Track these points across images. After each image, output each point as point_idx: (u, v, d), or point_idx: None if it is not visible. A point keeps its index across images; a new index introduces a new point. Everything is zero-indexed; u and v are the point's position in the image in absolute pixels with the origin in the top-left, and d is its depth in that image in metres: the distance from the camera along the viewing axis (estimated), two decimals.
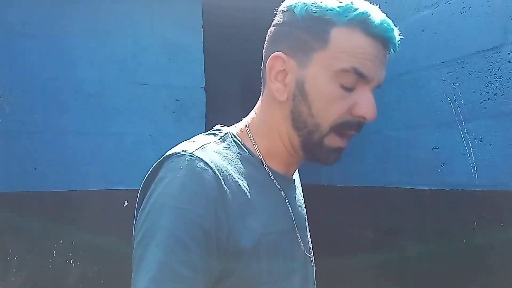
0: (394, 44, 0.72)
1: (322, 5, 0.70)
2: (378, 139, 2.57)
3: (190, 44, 2.61)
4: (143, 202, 0.69)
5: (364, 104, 0.71)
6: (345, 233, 2.84)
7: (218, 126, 0.81)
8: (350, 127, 0.73)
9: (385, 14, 0.73)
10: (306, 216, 0.89)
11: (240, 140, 0.77)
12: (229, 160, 0.72)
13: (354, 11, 0.69)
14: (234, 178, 0.70)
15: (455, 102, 2.05)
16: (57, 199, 2.28)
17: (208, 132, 0.80)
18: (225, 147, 0.74)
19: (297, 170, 0.87)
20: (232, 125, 0.81)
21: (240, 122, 0.81)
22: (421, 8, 2.25)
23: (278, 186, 0.77)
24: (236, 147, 0.76)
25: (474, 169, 1.96)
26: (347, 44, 0.69)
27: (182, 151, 0.69)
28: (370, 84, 0.72)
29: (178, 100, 2.56)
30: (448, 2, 2.09)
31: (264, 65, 0.77)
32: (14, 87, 2.27)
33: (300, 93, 0.72)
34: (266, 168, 0.76)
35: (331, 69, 0.69)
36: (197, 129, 2.54)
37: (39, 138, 2.30)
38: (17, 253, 2.19)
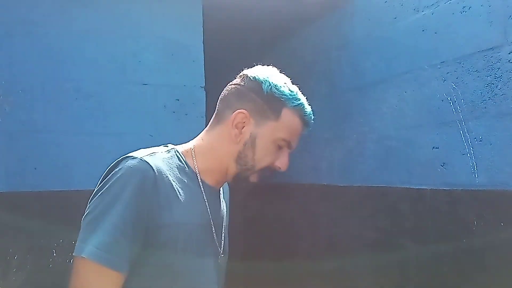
0: (310, 127, 1.09)
1: (281, 89, 1.05)
2: (378, 139, 2.57)
3: (190, 44, 2.60)
4: (101, 186, 0.97)
5: (283, 161, 1.07)
6: (345, 233, 2.84)
7: (169, 145, 1.11)
8: (268, 171, 1.07)
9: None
10: (227, 221, 1.19)
11: (181, 155, 1.06)
12: (169, 167, 1.01)
13: (298, 101, 1.06)
14: (169, 179, 0.99)
15: (455, 102, 2.05)
16: (57, 199, 2.28)
17: (160, 146, 1.09)
18: (168, 157, 1.04)
19: (226, 187, 1.23)
20: (180, 145, 1.11)
21: (188, 143, 1.12)
22: (421, 8, 2.25)
23: (204, 193, 1.05)
24: (177, 159, 1.05)
25: (474, 169, 1.96)
26: (289, 123, 1.05)
27: (135, 155, 0.99)
28: (290, 149, 1.08)
29: (178, 100, 2.55)
30: (448, 2, 2.09)
31: (223, 103, 1.09)
32: (14, 87, 2.26)
33: (251, 143, 1.04)
34: (199, 179, 1.06)
35: (276, 135, 1.04)
36: (197, 128, 2.53)
37: (39, 138, 2.29)
38: (17, 253, 2.19)
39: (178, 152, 1.07)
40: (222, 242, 1.11)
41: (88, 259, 0.89)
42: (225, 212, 1.17)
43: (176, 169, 1.03)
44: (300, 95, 1.08)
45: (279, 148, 1.06)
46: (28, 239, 2.21)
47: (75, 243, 0.90)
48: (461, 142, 2.02)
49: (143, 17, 2.52)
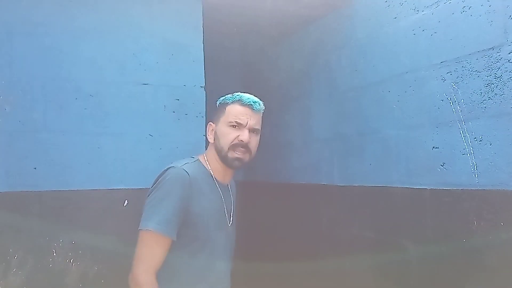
0: (253, 105, 1.60)
1: (224, 97, 1.65)
2: (378, 139, 2.57)
3: (190, 44, 2.60)
4: (156, 186, 1.54)
5: (242, 135, 1.58)
6: (345, 233, 2.84)
7: (195, 156, 1.69)
8: (237, 146, 1.58)
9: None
10: (235, 205, 1.75)
11: (201, 162, 1.65)
12: (196, 171, 1.58)
13: (236, 97, 1.62)
14: (197, 180, 1.56)
15: (455, 102, 2.05)
16: (57, 199, 2.28)
17: (191, 157, 1.67)
18: (195, 166, 1.61)
19: (233, 182, 1.80)
20: (202, 154, 1.69)
21: (204, 152, 1.71)
22: (421, 8, 2.25)
23: (218, 188, 1.64)
24: (200, 166, 1.64)
25: (474, 169, 1.96)
26: (232, 111, 1.60)
27: (176, 166, 1.56)
28: (246, 127, 1.59)
29: (178, 100, 2.55)
30: (448, 2, 2.09)
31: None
32: (14, 87, 2.26)
33: (216, 136, 1.63)
34: (214, 178, 1.64)
35: (226, 121, 1.60)
36: (197, 128, 2.54)
37: (39, 138, 2.29)
38: (17, 253, 2.19)
39: (199, 161, 1.65)
40: (231, 217, 1.69)
41: (152, 231, 1.46)
42: (233, 200, 1.74)
43: (201, 173, 1.60)
44: (239, 94, 1.63)
45: (234, 127, 1.58)
46: (28, 239, 2.21)
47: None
48: (461, 142, 2.02)
49: (143, 17, 2.52)
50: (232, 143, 1.56)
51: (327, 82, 3.11)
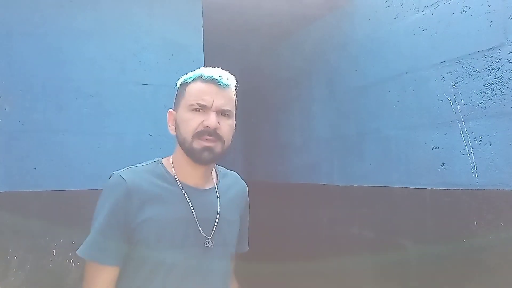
0: (218, 80, 1.22)
1: (183, 78, 1.27)
2: (378, 139, 2.57)
3: (190, 44, 2.60)
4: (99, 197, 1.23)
5: (207, 119, 1.19)
6: (345, 233, 2.84)
7: (159, 158, 1.33)
8: (204, 133, 1.19)
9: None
10: (235, 215, 1.35)
11: (163, 165, 1.29)
12: (146, 176, 1.24)
13: (196, 75, 1.24)
14: (142, 187, 1.21)
15: (455, 102, 2.05)
16: (57, 199, 2.28)
17: (155, 159, 1.33)
18: (148, 169, 1.27)
19: (239, 183, 1.42)
20: (169, 156, 1.32)
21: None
22: (421, 8, 2.25)
23: (185, 193, 1.24)
24: (157, 168, 1.28)
25: (474, 169, 1.96)
26: (193, 91, 1.23)
27: (116, 172, 1.24)
28: (212, 109, 1.20)
29: None
30: (448, 2, 2.09)
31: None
32: (14, 87, 2.26)
33: (177, 125, 1.26)
34: (178, 182, 1.25)
35: (186, 104, 1.22)
36: None
37: (39, 138, 2.29)
38: (17, 253, 2.19)
39: (161, 163, 1.30)
40: (213, 229, 1.25)
41: (81, 256, 1.18)
42: (219, 207, 1.30)
43: (153, 177, 1.25)
44: (200, 70, 1.26)
45: (197, 111, 1.21)
46: (28, 239, 2.21)
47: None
48: (461, 142, 2.02)
49: (143, 17, 2.52)
50: (197, 130, 1.19)
51: (327, 82, 3.11)
